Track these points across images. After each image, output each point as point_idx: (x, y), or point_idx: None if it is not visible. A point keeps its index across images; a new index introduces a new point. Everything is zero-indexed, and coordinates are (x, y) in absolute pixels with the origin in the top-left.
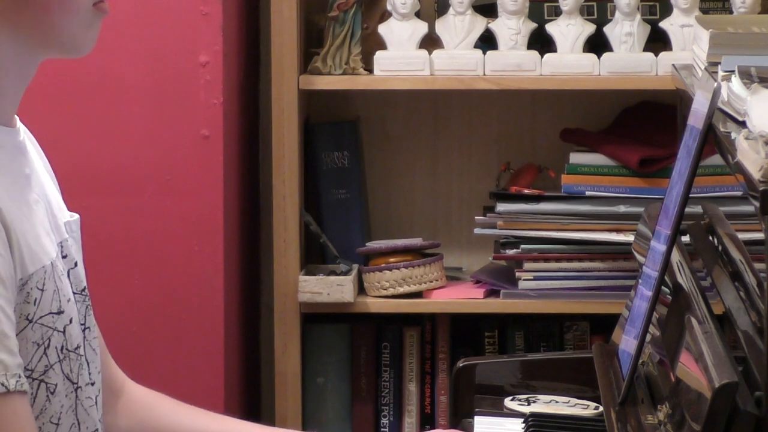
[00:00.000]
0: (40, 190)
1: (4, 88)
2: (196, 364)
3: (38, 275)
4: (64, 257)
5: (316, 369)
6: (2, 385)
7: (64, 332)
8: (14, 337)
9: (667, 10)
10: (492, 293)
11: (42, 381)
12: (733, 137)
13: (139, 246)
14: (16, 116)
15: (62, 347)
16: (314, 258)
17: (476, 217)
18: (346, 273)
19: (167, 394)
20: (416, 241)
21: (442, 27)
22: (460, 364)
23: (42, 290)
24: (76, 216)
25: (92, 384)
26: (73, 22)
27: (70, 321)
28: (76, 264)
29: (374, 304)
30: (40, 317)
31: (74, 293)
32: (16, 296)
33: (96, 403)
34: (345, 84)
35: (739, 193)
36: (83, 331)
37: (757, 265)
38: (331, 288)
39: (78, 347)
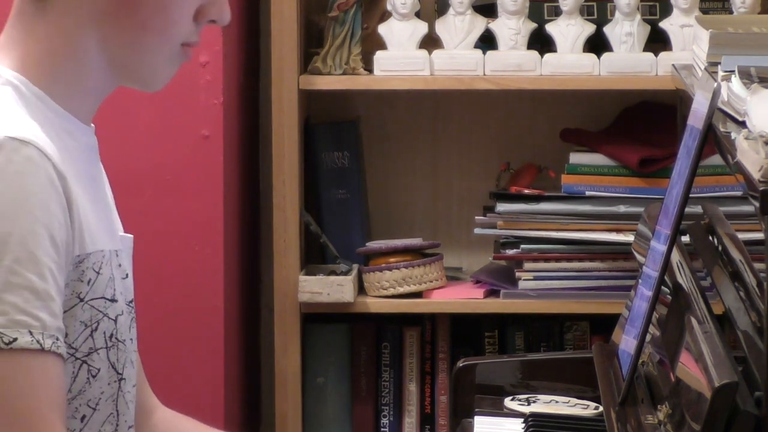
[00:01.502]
0: (102, 192)
1: (89, 91)
2: (196, 364)
3: (96, 257)
4: (119, 266)
5: (316, 369)
6: (37, 342)
7: (115, 321)
8: (59, 302)
9: (667, 10)
10: (492, 293)
11: (84, 362)
12: (733, 137)
13: (139, 246)
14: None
15: (111, 335)
16: (314, 258)
17: (476, 217)
18: (346, 273)
19: (167, 394)
20: (416, 241)
21: (442, 27)
22: (460, 364)
23: (98, 273)
24: (131, 236)
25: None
26: (160, 53)
27: (122, 313)
28: (127, 275)
29: (374, 304)
30: (92, 299)
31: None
32: (71, 272)
33: (132, 405)
34: (345, 84)
35: (739, 193)
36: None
37: (757, 265)
38: (331, 288)
39: (125, 343)
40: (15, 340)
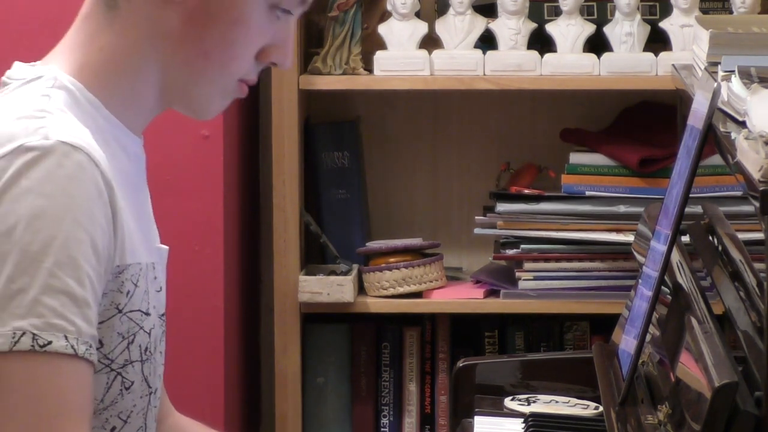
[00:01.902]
0: (145, 203)
1: (141, 106)
2: (196, 364)
3: (134, 269)
4: (154, 278)
5: (316, 369)
6: (72, 347)
7: (149, 334)
8: (95, 310)
9: (667, 10)
10: (492, 293)
11: (119, 374)
12: (733, 137)
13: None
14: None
15: (146, 348)
16: (314, 258)
17: (476, 217)
18: (346, 273)
19: (167, 394)
20: (416, 241)
21: (442, 27)
22: (460, 364)
23: (135, 285)
24: (166, 247)
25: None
26: (216, 84)
27: (154, 326)
28: (161, 288)
29: (374, 304)
30: (130, 311)
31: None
32: (111, 282)
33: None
34: (345, 84)
35: (739, 193)
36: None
37: (757, 265)
38: (331, 288)
39: (155, 356)
40: (50, 343)
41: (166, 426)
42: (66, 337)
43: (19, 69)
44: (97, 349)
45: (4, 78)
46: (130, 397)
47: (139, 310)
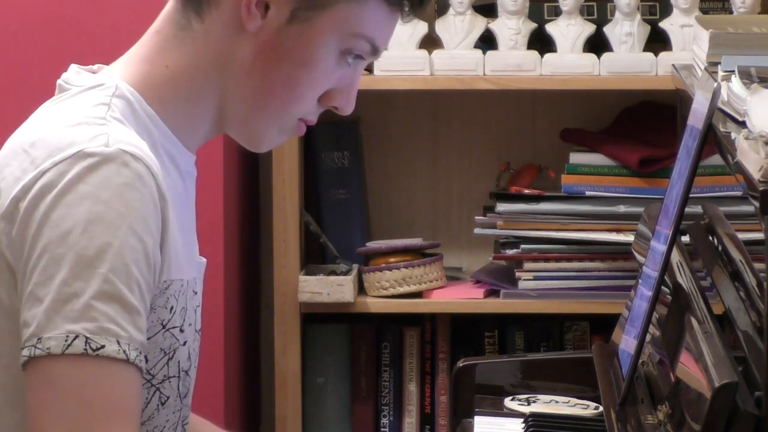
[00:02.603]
0: (192, 219)
1: (197, 128)
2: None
3: (177, 285)
4: (194, 293)
5: (316, 369)
6: (124, 352)
7: (188, 351)
8: (144, 318)
9: (667, 10)
10: (492, 293)
11: (158, 389)
12: (733, 137)
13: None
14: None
15: (183, 365)
16: (314, 258)
17: (476, 217)
18: (346, 273)
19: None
20: (416, 241)
21: (442, 27)
22: (460, 364)
23: (177, 301)
24: (204, 260)
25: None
26: (275, 122)
27: (187, 341)
28: (199, 303)
29: (374, 304)
30: (172, 327)
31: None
32: (158, 297)
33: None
34: None
35: (739, 193)
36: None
37: (757, 265)
38: (331, 288)
39: (189, 372)
40: (102, 347)
41: None
42: (118, 342)
43: (78, 74)
44: None
45: (60, 82)
46: (165, 412)
47: (179, 327)
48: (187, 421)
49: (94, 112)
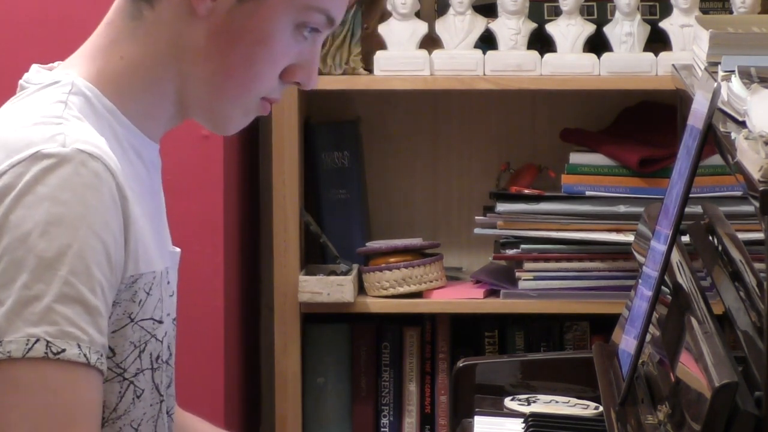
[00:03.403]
0: (160, 209)
1: (158, 117)
2: (196, 364)
3: (147, 278)
4: (167, 282)
5: (316, 369)
6: (84, 356)
7: (162, 342)
8: (106, 319)
9: (667, 10)
10: (492, 293)
11: (132, 383)
12: (733, 137)
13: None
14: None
15: (158, 356)
16: (314, 258)
17: (476, 217)
18: (346, 273)
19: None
20: (416, 241)
21: (442, 27)
22: (460, 364)
23: (148, 294)
24: (178, 250)
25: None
26: (237, 103)
27: (166, 334)
28: (173, 293)
29: (374, 304)
30: (142, 320)
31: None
32: (124, 292)
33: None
34: (345, 84)
35: (739, 193)
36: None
37: (757, 265)
38: (331, 288)
39: (169, 362)
40: (63, 350)
41: None
42: (79, 346)
43: (36, 73)
44: (109, 358)
45: (21, 81)
46: (141, 405)
47: (151, 319)
48: (173, 412)
49: (50, 111)
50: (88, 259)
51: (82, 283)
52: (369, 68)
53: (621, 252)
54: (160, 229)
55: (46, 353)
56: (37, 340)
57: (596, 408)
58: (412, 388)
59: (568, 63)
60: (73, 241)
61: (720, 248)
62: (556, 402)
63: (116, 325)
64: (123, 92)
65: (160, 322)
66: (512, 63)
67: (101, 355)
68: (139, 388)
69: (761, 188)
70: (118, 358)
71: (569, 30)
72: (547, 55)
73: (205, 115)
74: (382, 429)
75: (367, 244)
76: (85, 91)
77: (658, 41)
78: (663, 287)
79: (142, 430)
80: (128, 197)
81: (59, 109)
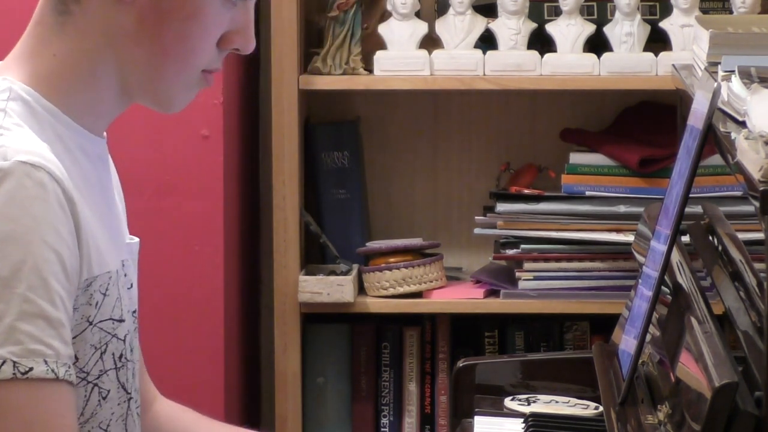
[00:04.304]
0: (112, 203)
1: (102, 108)
2: (196, 364)
3: (103, 279)
4: (124, 275)
5: (316, 369)
6: (52, 371)
7: (124, 341)
8: (69, 328)
9: (667, 10)
10: (492, 293)
11: (96, 385)
12: (733, 137)
13: (139, 246)
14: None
15: (120, 355)
16: (314, 258)
17: (476, 217)
18: (346, 273)
19: (167, 394)
20: (416, 241)
21: (442, 27)
22: (460, 364)
23: (105, 295)
24: (137, 239)
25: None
26: (178, 80)
27: (128, 332)
28: (132, 285)
29: (374, 304)
30: (101, 321)
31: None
32: (80, 296)
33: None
34: (345, 84)
35: (739, 193)
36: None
37: (757, 265)
38: (331, 288)
39: (130, 358)
40: (31, 369)
41: (151, 414)
42: (46, 362)
43: None
44: (73, 363)
45: None
46: (108, 405)
47: (110, 319)
48: (139, 411)
49: None
50: (45, 273)
51: (41, 297)
52: (369, 68)
53: (621, 252)
54: (112, 224)
55: (14, 374)
56: (4, 362)
57: (596, 408)
58: (412, 388)
59: (568, 63)
60: (27, 257)
61: (720, 248)
62: (556, 402)
63: (75, 330)
64: (62, 91)
65: (121, 320)
66: (512, 63)
67: (69, 367)
68: (104, 389)
69: (761, 188)
70: (80, 362)
71: (569, 30)
72: (547, 55)
73: (149, 98)
74: (382, 429)
75: (367, 244)
76: (24, 96)
77: (658, 41)
78: (663, 287)
79: (111, 430)
80: (76, 201)
81: None
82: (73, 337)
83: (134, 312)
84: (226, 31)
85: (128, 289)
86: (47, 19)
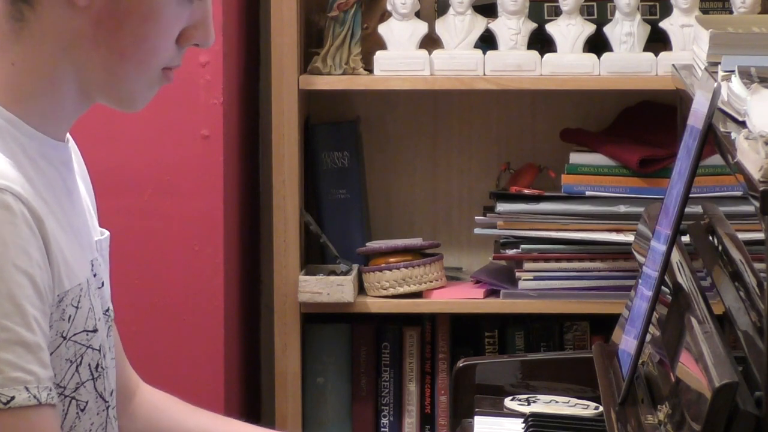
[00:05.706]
0: (79, 206)
1: (63, 114)
2: (196, 364)
3: (74, 292)
4: (93, 276)
5: (316, 369)
6: (34, 397)
7: (99, 350)
8: (47, 350)
9: (667, 10)
10: (492, 293)
11: (73, 398)
12: (733, 137)
13: (139, 246)
14: (68, 134)
15: (97, 365)
16: (314, 258)
17: (476, 217)
18: (346, 273)
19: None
20: (416, 241)
21: (442, 27)
22: (460, 364)
23: (77, 307)
24: (107, 233)
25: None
26: (139, 80)
27: (102, 341)
28: (102, 284)
29: (374, 304)
30: (74, 334)
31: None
32: (54, 313)
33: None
34: (345, 84)
35: (739, 193)
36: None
37: (757, 265)
38: (331, 288)
39: (103, 365)
40: (13, 398)
41: (134, 404)
42: (27, 389)
43: None
44: None
45: None
46: (86, 417)
47: (84, 331)
48: (116, 420)
49: None
50: (18, 298)
51: (16, 324)
52: (369, 68)
53: (621, 252)
54: (80, 228)
55: None
56: None
57: (596, 408)
58: (412, 388)
59: (568, 63)
60: None
61: (720, 248)
62: (556, 402)
63: (50, 347)
64: (21, 100)
65: (94, 331)
66: (512, 63)
67: (50, 390)
68: (82, 401)
69: (761, 188)
70: (57, 377)
71: (569, 30)
72: (547, 55)
73: (110, 98)
74: (382, 429)
75: (367, 244)
76: None
77: (658, 41)
78: (663, 287)
79: None
80: (43, 218)
81: None
82: (50, 353)
83: (107, 311)
84: (184, 27)
85: (99, 288)
86: (3, 26)
